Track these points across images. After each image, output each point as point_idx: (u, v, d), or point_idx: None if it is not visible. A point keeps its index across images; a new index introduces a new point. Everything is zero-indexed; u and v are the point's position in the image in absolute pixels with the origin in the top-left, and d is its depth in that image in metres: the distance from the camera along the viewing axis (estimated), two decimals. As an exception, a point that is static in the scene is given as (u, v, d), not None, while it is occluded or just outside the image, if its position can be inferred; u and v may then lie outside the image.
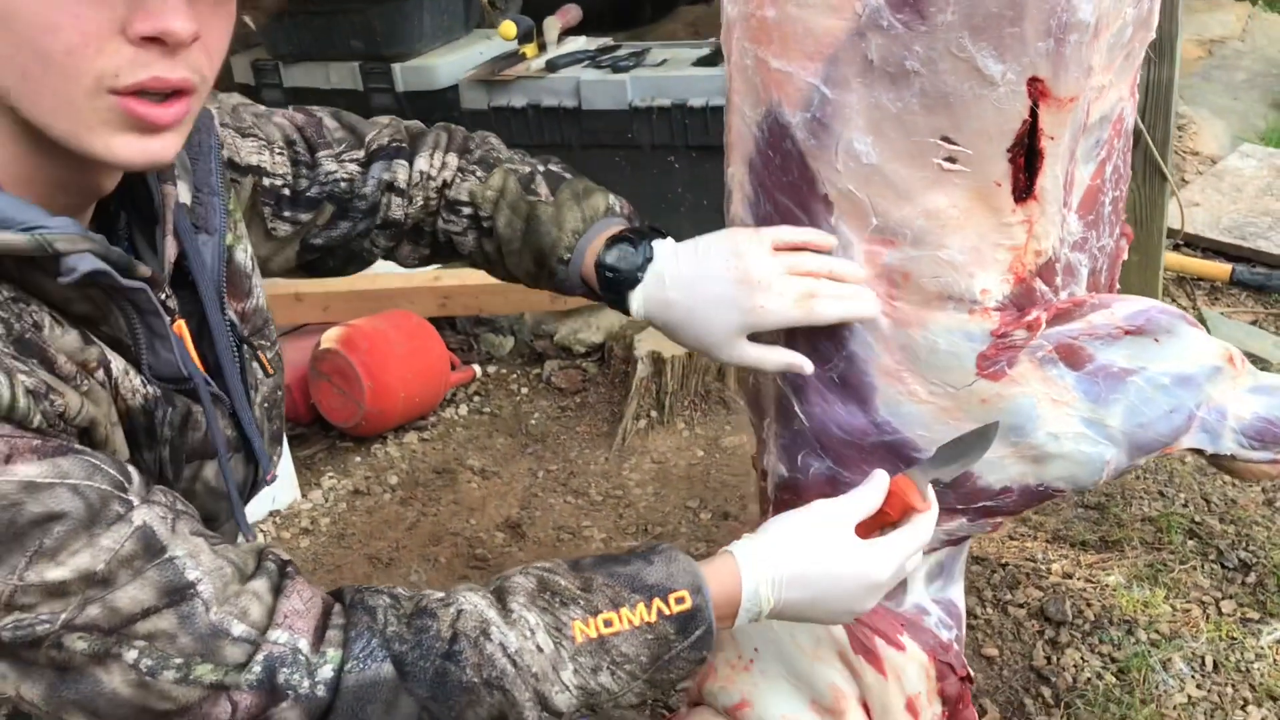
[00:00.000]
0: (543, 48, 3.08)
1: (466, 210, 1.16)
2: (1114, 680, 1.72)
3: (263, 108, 1.10)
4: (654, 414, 2.54)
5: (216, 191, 0.95)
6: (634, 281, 1.08)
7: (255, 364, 0.99)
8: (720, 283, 1.05)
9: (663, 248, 1.10)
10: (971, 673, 1.26)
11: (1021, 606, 1.89)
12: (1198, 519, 2.05)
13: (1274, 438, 1.20)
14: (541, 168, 1.17)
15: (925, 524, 0.99)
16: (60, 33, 0.70)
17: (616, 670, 0.86)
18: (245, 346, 0.97)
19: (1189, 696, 1.68)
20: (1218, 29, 4.68)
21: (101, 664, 0.74)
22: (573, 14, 3.19)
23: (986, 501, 1.16)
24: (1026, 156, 1.03)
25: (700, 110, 2.75)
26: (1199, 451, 1.19)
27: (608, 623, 0.86)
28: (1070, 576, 1.95)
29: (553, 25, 3.08)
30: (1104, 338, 1.12)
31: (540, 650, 0.83)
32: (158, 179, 0.89)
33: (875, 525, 1.00)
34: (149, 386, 0.84)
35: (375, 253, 1.18)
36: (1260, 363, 2.50)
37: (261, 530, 2.29)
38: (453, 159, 1.16)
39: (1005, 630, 1.84)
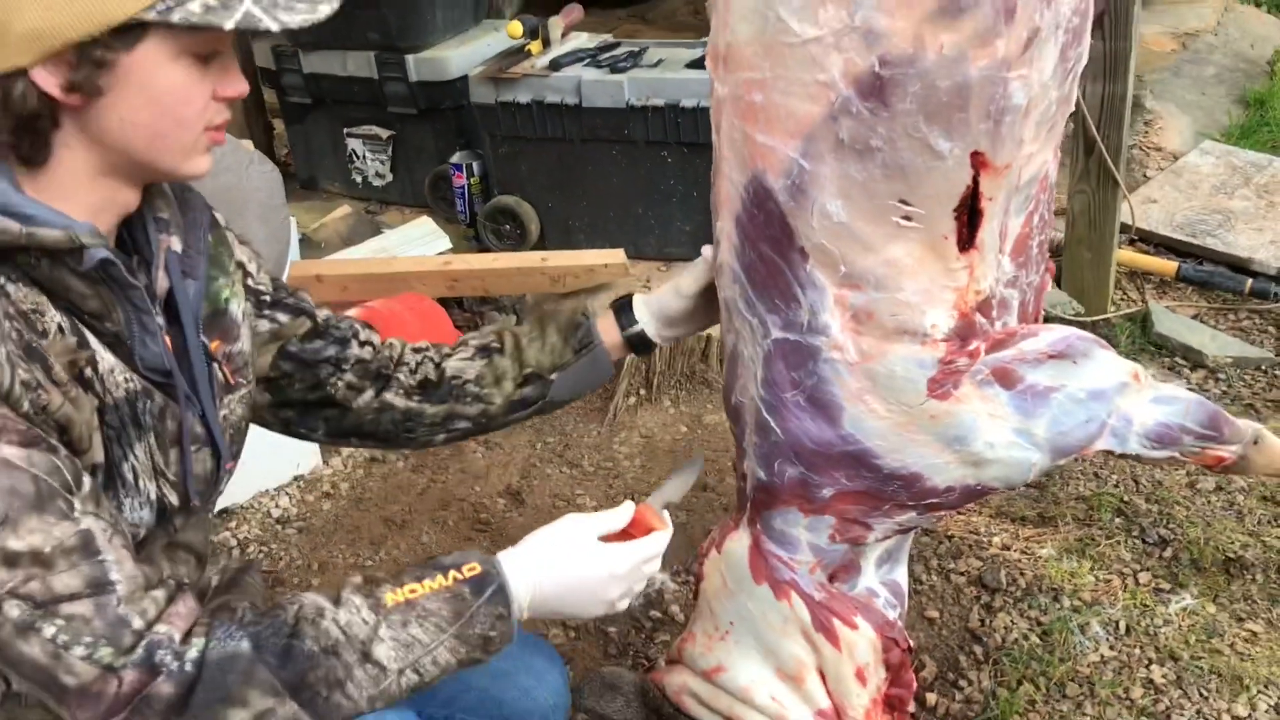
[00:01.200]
0: (547, 44, 3.20)
1: (475, 343, 1.36)
2: (1038, 641, 1.91)
3: None
4: (643, 392, 2.71)
5: (202, 253, 1.15)
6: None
7: (221, 376, 1.16)
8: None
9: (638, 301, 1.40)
10: (912, 644, 1.44)
11: (962, 574, 2.08)
12: (1126, 499, 2.24)
13: (1171, 439, 1.37)
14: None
15: (661, 538, 1.19)
16: (192, 103, 1.00)
17: (424, 622, 1.03)
18: (214, 364, 1.15)
19: (1101, 656, 1.87)
20: (1194, 21, 4.70)
21: (24, 636, 0.91)
22: (575, 14, 3.31)
23: (933, 499, 1.33)
24: (969, 214, 1.19)
25: (691, 110, 2.89)
26: (1109, 452, 1.36)
27: (412, 590, 1.04)
28: (1008, 548, 2.14)
29: (556, 25, 3.20)
30: (1032, 361, 1.29)
31: (365, 622, 1.01)
32: (157, 230, 1.10)
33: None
34: (133, 381, 1.03)
35: (338, 389, 1.30)
36: (1195, 354, 2.68)
37: (287, 494, 2.45)
38: (425, 344, 1.39)
39: (946, 595, 2.03)
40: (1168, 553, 2.10)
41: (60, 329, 0.98)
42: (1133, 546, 2.13)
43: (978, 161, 1.15)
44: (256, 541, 2.32)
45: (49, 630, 0.92)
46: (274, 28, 0.95)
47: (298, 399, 1.30)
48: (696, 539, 2.11)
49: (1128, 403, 1.34)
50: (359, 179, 3.75)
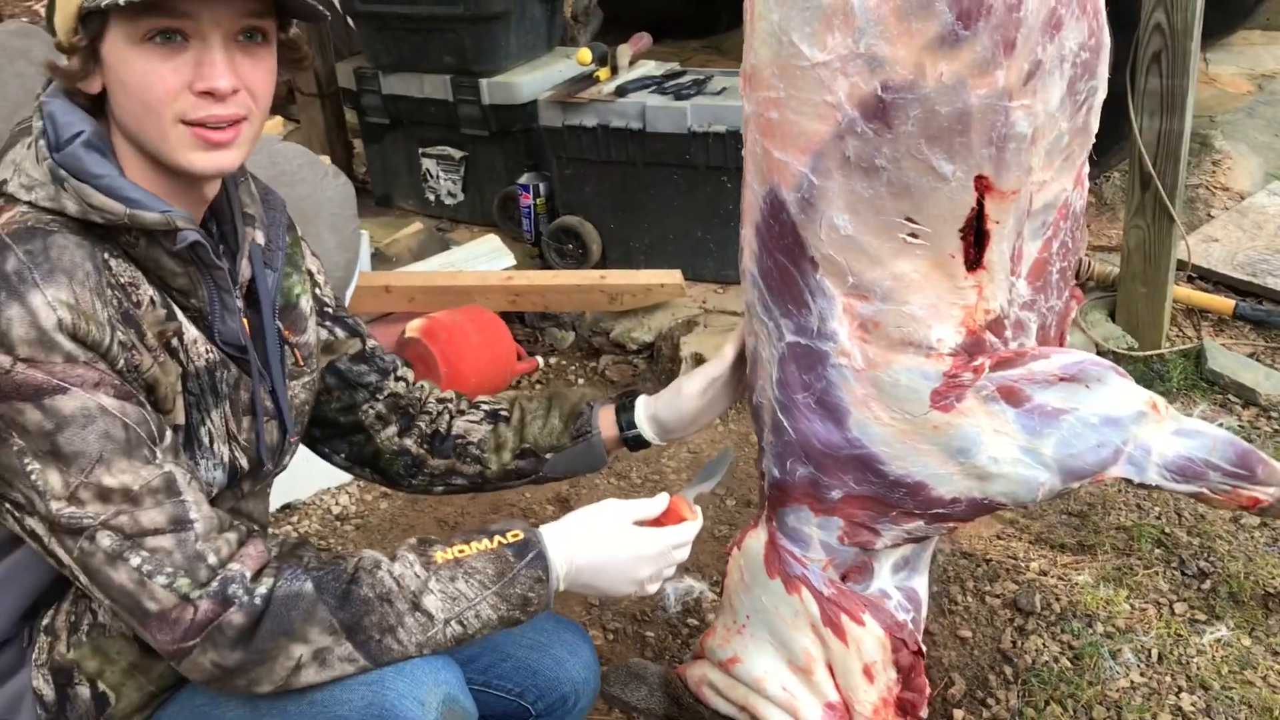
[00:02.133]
0: (615, 71, 3.32)
1: (486, 407, 1.46)
2: (1068, 664, 1.93)
3: None
4: (694, 409, 2.78)
5: (280, 248, 1.28)
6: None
7: (290, 358, 1.29)
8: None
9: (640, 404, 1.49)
10: (923, 648, 1.49)
11: (998, 597, 2.11)
12: (1168, 530, 2.25)
13: (1194, 473, 1.39)
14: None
15: (691, 527, 1.28)
16: (153, 89, 1.06)
17: (469, 579, 1.12)
18: (285, 345, 1.27)
19: (1131, 682, 1.89)
20: (1270, 63, 4.70)
21: (113, 564, 1.04)
22: (644, 41, 3.42)
23: (939, 509, 1.38)
24: (976, 235, 1.26)
25: (751, 137, 2.98)
26: (1128, 480, 1.39)
27: (461, 550, 1.14)
28: (1045, 574, 2.16)
29: (624, 52, 3.32)
30: (1041, 382, 1.33)
31: (416, 575, 1.11)
32: (244, 223, 1.23)
33: None
34: (213, 353, 1.16)
35: (368, 416, 1.41)
36: (1249, 392, 2.67)
37: (348, 492, 2.58)
38: (450, 393, 1.50)
39: (980, 616, 2.07)
40: (1206, 585, 2.11)
41: (152, 301, 1.11)
42: (1171, 577, 2.14)
43: (982, 185, 1.21)
44: (316, 536, 2.44)
45: (135, 560, 1.04)
46: None
47: (330, 418, 1.41)
48: (732, 550, 2.17)
49: (1146, 432, 1.37)
50: (432, 197, 3.91)
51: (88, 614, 1.17)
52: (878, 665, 1.44)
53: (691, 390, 1.45)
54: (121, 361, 1.06)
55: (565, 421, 1.44)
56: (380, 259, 3.68)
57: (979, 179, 1.21)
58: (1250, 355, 2.84)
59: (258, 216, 1.25)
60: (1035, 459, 1.35)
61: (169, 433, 1.10)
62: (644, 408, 1.46)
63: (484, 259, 3.29)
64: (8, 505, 1.09)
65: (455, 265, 3.23)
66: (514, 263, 3.34)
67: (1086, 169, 1.36)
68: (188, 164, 1.09)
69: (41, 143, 1.08)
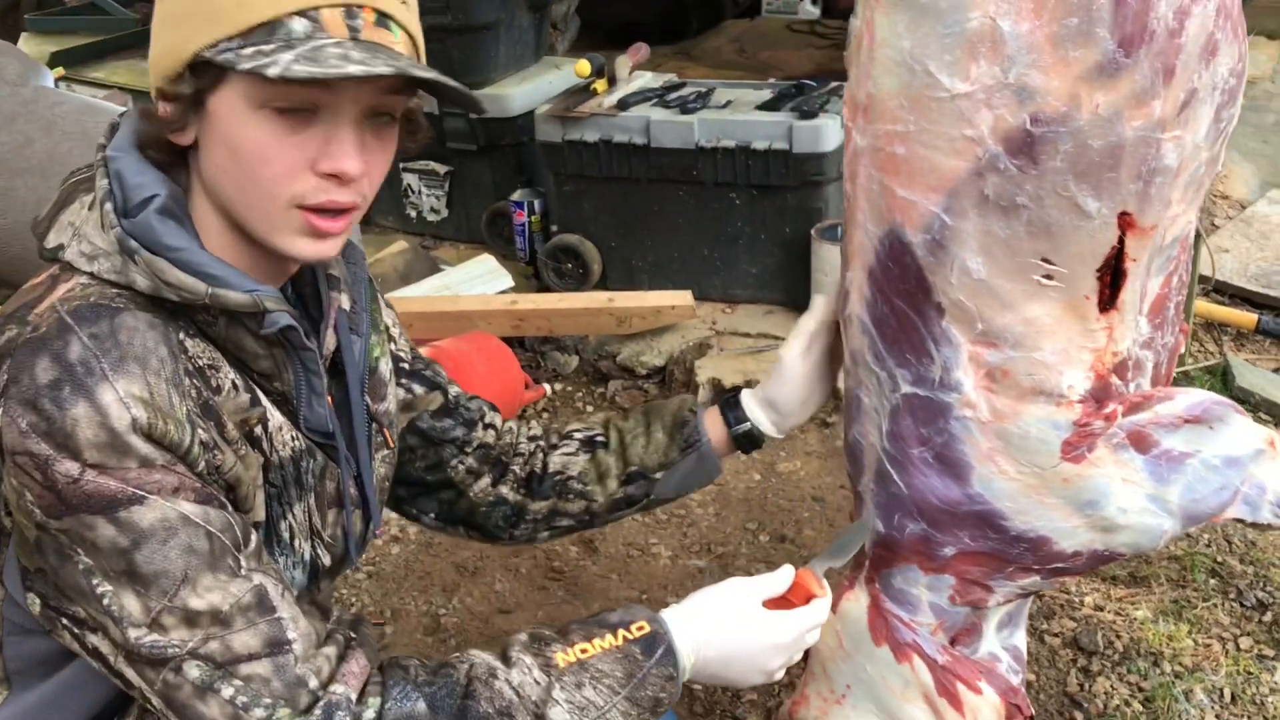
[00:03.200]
0: (613, 83, 3.22)
1: (579, 435, 1.34)
2: (1140, 708, 1.87)
3: None
4: (713, 437, 2.69)
5: (365, 309, 1.15)
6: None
7: (380, 438, 1.16)
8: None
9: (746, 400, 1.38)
10: (1033, 712, 1.41)
11: (1056, 636, 2.04)
12: (1219, 559, 2.20)
13: (1305, 510, 1.35)
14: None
15: (822, 605, 1.17)
16: (270, 165, 0.93)
17: (597, 684, 1.02)
18: (374, 424, 1.15)
19: (1210, 725, 1.83)
20: (1250, 69, 4.76)
21: (203, 697, 0.92)
22: (643, 52, 3.33)
23: (1059, 563, 1.30)
24: (1112, 275, 1.18)
25: (762, 153, 2.90)
26: (1240, 520, 1.34)
27: (583, 650, 1.03)
28: (1101, 609, 2.10)
29: (624, 63, 3.22)
30: (1168, 426, 1.26)
31: (536, 683, 1.00)
32: (328, 287, 1.09)
33: (781, 608, 1.15)
34: (298, 440, 1.03)
35: (458, 472, 1.30)
36: (1279, 408, 2.64)
37: (355, 535, 2.45)
38: (536, 426, 1.39)
39: (1041, 658, 2.00)
40: (1267, 617, 2.06)
41: (234, 385, 0.98)
42: (1230, 610, 2.09)
43: (1124, 222, 1.13)
44: (324, 585, 2.31)
45: (228, 691, 0.92)
46: (314, 74, 0.86)
47: (416, 477, 1.29)
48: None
49: (1262, 470, 1.32)
50: (413, 213, 3.78)
51: (133, 708, 1.04)
52: (992, 734, 1.35)
53: (793, 355, 1.35)
54: (203, 463, 0.94)
55: (670, 434, 1.33)
56: (361, 279, 3.53)
57: (1122, 216, 1.13)
58: (1275, 370, 2.81)
59: (341, 277, 1.12)
60: (1161, 506, 1.27)
61: (253, 535, 0.97)
62: (752, 398, 1.36)
63: (480, 281, 3.17)
64: (64, 620, 0.95)
65: (450, 288, 3.11)
66: (512, 284, 3.23)
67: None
68: (290, 250, 0.96)
69: (108, 206, 0.94)
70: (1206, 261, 2.75)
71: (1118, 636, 2.03)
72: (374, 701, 0.96)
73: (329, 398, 1.07)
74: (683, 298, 2.95)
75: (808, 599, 1.17)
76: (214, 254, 0.97)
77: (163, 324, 0.94)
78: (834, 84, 3.09)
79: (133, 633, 0.91)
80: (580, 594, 2.24)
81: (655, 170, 3.04)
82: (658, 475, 1.33)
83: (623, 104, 3.07)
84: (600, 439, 1.34)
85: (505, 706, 0.98)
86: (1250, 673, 1.93)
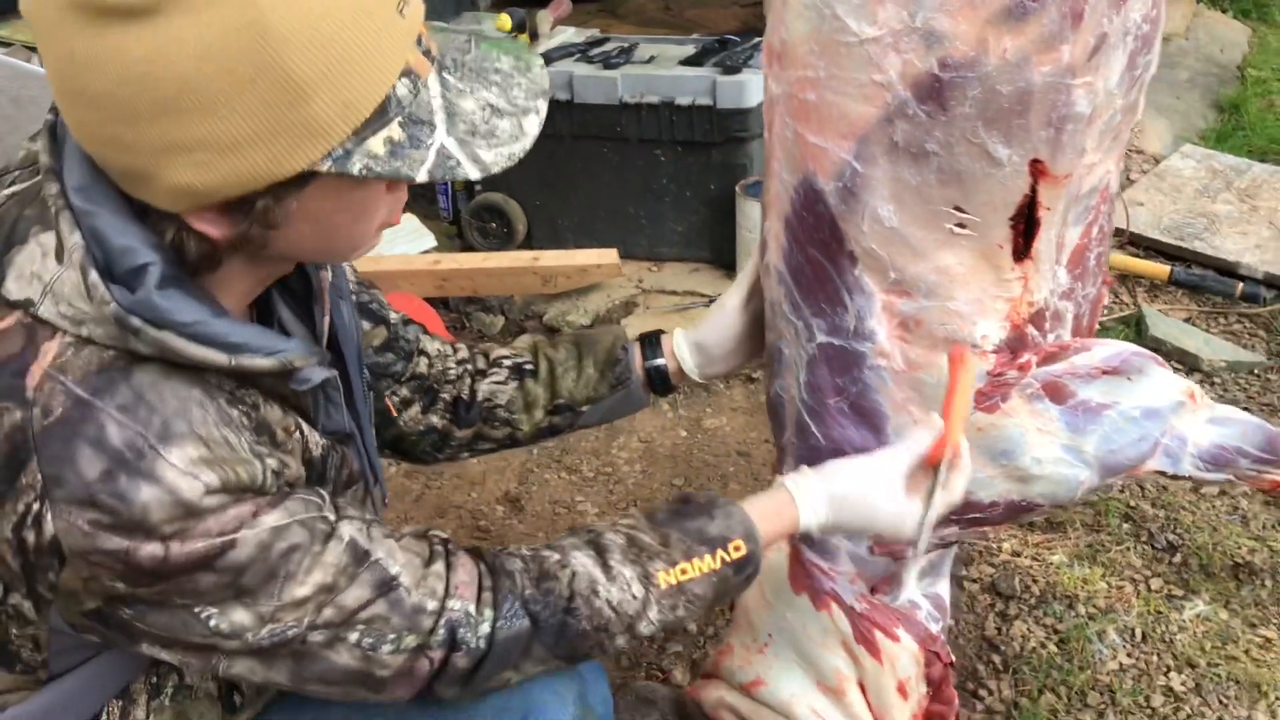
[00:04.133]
0: (534, 38, 3.14)
1: (508, 363, 1.30)
2: (1055, 650, 1.89)
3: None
4: (640, 394, 2.66)
5: (342, 272, 1.11)
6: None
7: (382, 406, 1.12)
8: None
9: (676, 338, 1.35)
10: (954, 659, 1.41)
11: (975, 581, 2.05)
12: (1133, 504, 2.23)
13: (1226, 461, 1.35)
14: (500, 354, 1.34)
15: (958, 484, 1.15)
16: (369, 219, 0.90)
17: (690, 606, 1.07)
18: (373, 394, 1.10)
19: (1120, 664, 1.85)
20: (1167, 26, 4.80)
21: (331, 648, 0.92)
22: (564, 7, 3.25)
23: (977, 513, 1.30)
24: (1025, 224, 1.16)
25: (686, 108, 2.85)
26: (1161, 473, 1.34)
27: (684, 571, 1.05)
28: (1019, 555, 2.12)
29: (545, 18, 3.14)
30: (1084, 376, 1.25)
31: (635, 598, 1.03)
32: (315, 266, 1.03)
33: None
34: (323, 439, 0.98)
35: (392, 401, 1.26)
36: (1191, 358, 2.68)
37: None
38: (462, 349, 1.32)
39: (961, 603, 2.00)
40: (1177, 558, 2.09)
41: (262, 399, 0.91)
42: (1142, 552, 2.11)
43: (1036, 170, 1.11)
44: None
45: (353, 636, 0.92)
46: (473, 174, 0.83)
47: None
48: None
49: (1183, 423, 1.31)
50: (337, 175, 3.67)
51: (172, 675, 1.00)
52: (911, 681, 1.34)
53: (733, 303, 1.33)
54: (275, 488, 0.88)
55: (601, 371, 1.30)
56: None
57: (1034, 163, 1.11)
58: (1186, 320, 2.85)
59: None
60: (1077, 457, 1.27)
61: (320, 492, 0.93)
62: (683, 337, 1.33)
63: (403, 240, 3.09)
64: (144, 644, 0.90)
65: (377, 248, 3.02)
66: (435, 243, 3.15)
67: (1124, 148, 1.28)
68: (365, 253, 0.96)
69: (93, 276, 0.80)
70: (1121, 215, 2.77)
71: (1034, 581, 2.04)
72: (489, 614, 0.97)
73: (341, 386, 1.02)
74: (608, 256, 2.90)
75: (940, 450, 1.13)
76: (230, 301, 0.91)
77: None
78: (757, 39, 3.04)
79: (250, 637, 0.88)
80: (507, 553, 2.21)
81: (579, 126, 2.97)
82: (585, 409, 1.31)
83: (545, 58, 2.99)
84: (529, 367, 1.30)
85: (603, 624, 1.01)
86: (1160, 612, 1.96)
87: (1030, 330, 1.23)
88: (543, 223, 3.17)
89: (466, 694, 1.01)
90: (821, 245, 1.18)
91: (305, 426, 0.95)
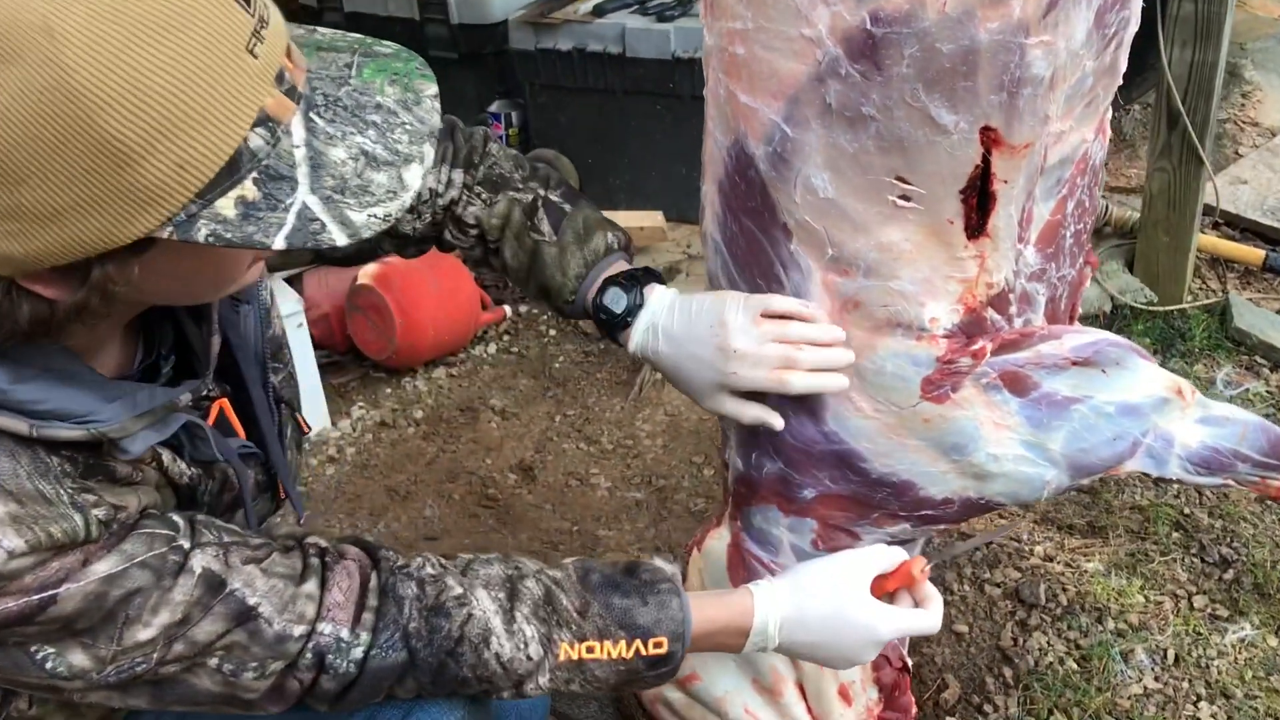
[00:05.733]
0: (591, -11, 3.10)
1: (474, 232, 1.25)
2: (1075, 666, 1.80)
3: None
4: (673, 365, 2.62)
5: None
6: (623, 324, 1.18)
7: (291, 424, 1.11)
8: (703, 346, 1.14)
9: (657, 299, 1.18)
10: (909, 662, 1.35)
11: (998, 586, 1.97)
12: (1186, 511, 2.10)
13: (1219, 465, 1.26)
14: (543, 194, 1.24)
15: (936, 611, 1.11)
16: (240, 264, 0.87)
17: (588, 685, 1.03)
18: (284, 406, 1.10)
19: (1145, 688, 1.75)
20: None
21: (191, 673, 0.89)
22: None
23: (929, 510, 1.23)
24: (979, 197, 1.09)
25: (741, 65, 2.78)
26: (1145, 474, 1.26)
27: (590, 650, 1.01)
28: (1051, 559, 2.02)
29: (602, -32, 3.10)
30: (1050, 367, 1.18)
31: (529, 659, 0.99)
32: None
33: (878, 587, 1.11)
34: (192, 469, 0.96)
35: (380, 253, 1.28)
36: (1276, 353, 2.50)
37: (291, 455, 2.43)
38: (458, 175, 1.24)
39: (979, 609, 1.93)
40: (1228, 575, 1.96)
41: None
42: (1190, 565, 1.99)
43: (989, 138, 1.04)
44: (253, 505, 2.29)
45: (212, 663, 0.89)
46: (339, 240, 0.76)
47: (333, 257, 1.26)
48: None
49: (1169, 421, 1.23)
50: (400, 126, 3.72)
51: None
52: (856, 685, 1.29)
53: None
54: (104, 533, 0.83)
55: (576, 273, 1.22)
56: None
57: (985, 131, 1.03)
58: (1279, 312, 2.67)
59: None
60: (1041, 455, 1.19)
61: (175, 515, 0.89)
62: (671, 295, 1.19)
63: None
64: None
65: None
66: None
67: (1109, 115, 1.19)
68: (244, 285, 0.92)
69: None
70: (1210, 193, 2.60)
71: (1064, 589, 1.95)
72: (364, 638, 0.94)
73: (222, 402, 1.01)
74: (653, 218, 2.86)
75: (902, 582, 1.13)
76: (89, 337, 0.86)
77: None
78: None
79: (94, 677, 0.84)
80: (512, 523, 2.21)
81: (631, 82, 2.94)
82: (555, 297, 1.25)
83: (598, 10, 2.96)
84: (493, 246, 1.25)
85: (487, 675, 0.98)
86: (1199, 634, 1.85)
87: (990, 314, 1.16)
88: (594, 181, 3.14)
89: (339, 710, 0.97)
90: (754, 215, 1.13)
91: (174, 457, 0.94)
